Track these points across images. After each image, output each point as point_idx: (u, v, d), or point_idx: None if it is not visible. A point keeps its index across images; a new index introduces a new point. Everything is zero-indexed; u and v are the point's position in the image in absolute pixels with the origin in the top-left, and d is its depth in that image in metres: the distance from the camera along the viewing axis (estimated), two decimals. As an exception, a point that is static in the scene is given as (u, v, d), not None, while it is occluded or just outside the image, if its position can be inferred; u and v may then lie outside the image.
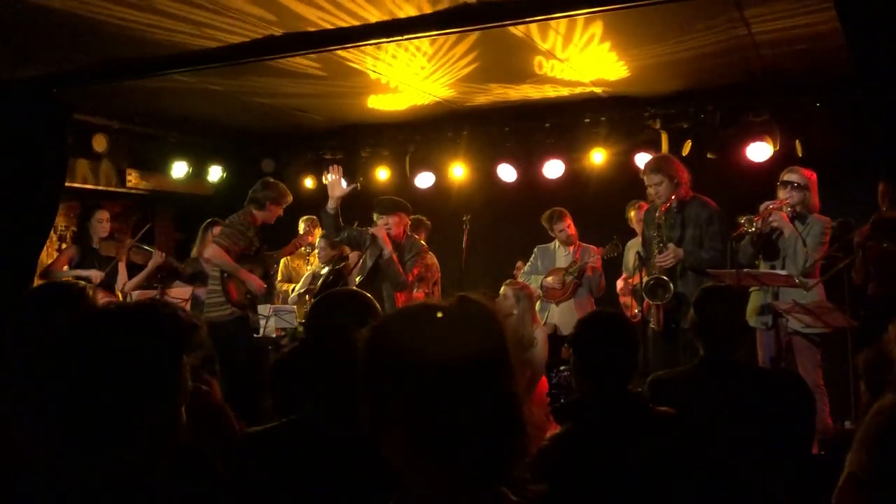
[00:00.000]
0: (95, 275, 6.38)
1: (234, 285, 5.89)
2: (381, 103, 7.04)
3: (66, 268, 6.55)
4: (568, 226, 6.78)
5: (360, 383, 1.28)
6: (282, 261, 7.61)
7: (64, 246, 7.86)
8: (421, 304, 1.42)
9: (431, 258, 7.08)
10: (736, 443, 2.94)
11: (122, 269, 6.68)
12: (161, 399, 1.55)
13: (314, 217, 7.66)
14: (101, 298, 5.74)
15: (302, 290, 7.12)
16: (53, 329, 1.67)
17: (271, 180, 6.24)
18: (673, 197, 5.36)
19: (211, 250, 5.87)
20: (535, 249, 7.02)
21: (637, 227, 6.42)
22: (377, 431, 1.27)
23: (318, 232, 7.44)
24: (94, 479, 1.45)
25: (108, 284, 6.50)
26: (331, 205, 5.88)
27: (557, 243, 6.90)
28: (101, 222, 6.60)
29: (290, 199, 6.22)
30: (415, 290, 6.81)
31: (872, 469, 1.14)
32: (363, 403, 1.28)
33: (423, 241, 7.02)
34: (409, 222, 6.25)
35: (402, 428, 1.24)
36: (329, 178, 6.09)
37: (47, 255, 7.37)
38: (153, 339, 1.54)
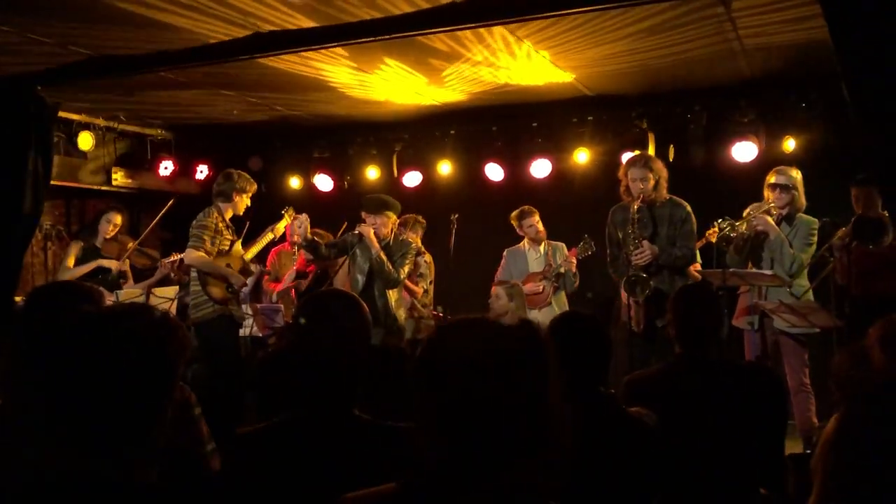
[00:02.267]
0: (116, 265, 6.55)
1: (213, 282, 5.87)
2: (370, 105, 7.03)
3: (71, 264, 6.60)
4: (537, 222, 6.76)
5: (415, 378, 1.41)
6: (269, 260, 7.58)
7: (49, 244, 7.83)
8: (481, 317, 1.51)
9: (428, 257, 7.09)
10: (712, 437, 2.95)
11: (128, 272, 6.74)
12: (156, 402, 1.55)
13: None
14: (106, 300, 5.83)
15: (285, 289, 7.08)
16: (53, 330, 1.66)
17: (232, 171, 6.15)
18: (642, 195, 5.39)
19: (189, 256, 5.79)
20: (505, 253, 6.94)
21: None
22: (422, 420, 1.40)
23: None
24: (90, 481, 1.44)
25: (115, 285, 6.56)
26: (301, 242, 6.00)
27: (527, 244, 6.87)
28: (109, 224, 6.68)
29: (254, 186, 6.15)
30: (418, 286, 6.85)
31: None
32: (415, 397, 1.41)
33: (418, 240, 7.03)
34: (397, 221, 6.24)
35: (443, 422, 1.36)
36: (294, 224, 6.17)
37: (31, 255, 7.33)
38: (152, 343, 1.55)
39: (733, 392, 3.09)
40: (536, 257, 6.79)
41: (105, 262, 6.55)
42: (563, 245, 6.75)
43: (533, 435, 1.34)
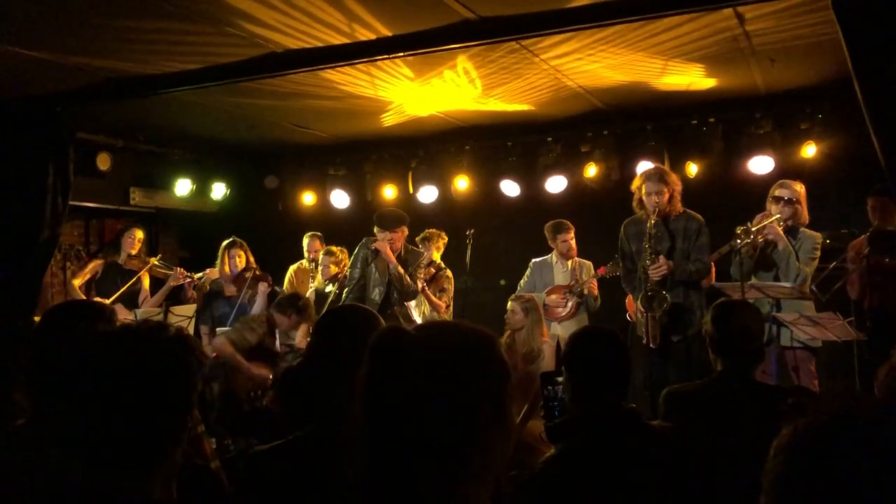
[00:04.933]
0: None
1: (240, 381, 5.67)
2: (389, 119, 7.06)
3: (83, 281, 6.70)
4: (570, 238, 6.76)
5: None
6: (287, 277, 7.64)
7: (68, 264, 7.91)
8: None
9: (449, 273, 7.13)
10: (752, 459, 2.91)
11: (144, 285, 6.80)
12: (175, 418, 1.56)
13: (318, 233, 7.69)
14: (121, 315, 5.86)
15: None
16: (72, 348, 1.68)
17: (301, 295, 6.17)
18: (658, 209, 5.38)
19: (215, 342, 5.74)
20: (531, 264, 6.95)
21: None
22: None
23: (319, 246, 7.46)
24: (110, 498, 1.45)
25: (131, 300, 6.65)
26: None
27: (555, 257, 6.86)
28: (132, 238, 6.80)
29: (313, 314, 6.02)
30: (441, 300, 6.89)
31: None
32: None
33: (438, 256, 7.08)
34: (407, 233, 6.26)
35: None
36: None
37: (51, 274, 7.40)
38: (169, 359, 1.56)
39: (772, 412, 3.05)
40: (563, 271, 6.79)
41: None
42: (591, 264, 6.72)
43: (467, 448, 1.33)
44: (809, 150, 6.53)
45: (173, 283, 6.81)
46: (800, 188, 5.40)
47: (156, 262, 6.84)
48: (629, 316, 6.70)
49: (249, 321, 5.91)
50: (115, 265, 6.75)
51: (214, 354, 5.73)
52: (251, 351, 5.70)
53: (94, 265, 6.81)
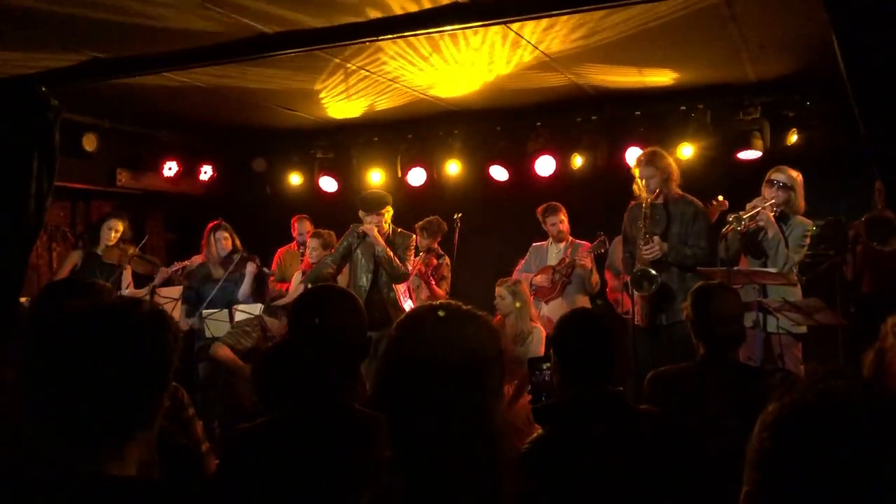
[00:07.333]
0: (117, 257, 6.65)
1: (242, 389, 5.62)
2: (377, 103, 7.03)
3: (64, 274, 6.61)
4: (560, 221, 6.77)
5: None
6: (275, 260, 7.62)
7: (54, 245, 7.86)
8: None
9: (447, 260, 7.13)
10: (735, 441, 2.93)
11: (126, 276, 6.76)
12: (151, 395, 1.55)
13: (305, 215, 7.67)
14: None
15: (293, 292, 7.10)
16: (48, 325, 1.66)
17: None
18: (659, 191, 5.41)
19: (215, 349, 5.75)
20: (531, 247, 7.03)
21: None
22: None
23: (309, 228, 7.44)
24: (87, 476, 1.45)
25: (117, 288, 6.58)
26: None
27: (551, 240, 6.90)
28: (111, 230, 6.73)
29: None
30: (441, 288, 6.90)
31: (761, 486, 1.14)
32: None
33: (435, 243, 7.09)
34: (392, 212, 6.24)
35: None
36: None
37: (36, 256, 7.35)
38: (144, 335, 1.55)
39: (755, 394, 3.07)
40: (556, 252, 6.83)
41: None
42: (585, 243, 6.74)
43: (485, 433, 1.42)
44: (797, 138, 6.56)
45: (161, 280, 6.77)
46: (797, 175, 5.41)
47: (136, 254, 6.77)
48: (612, 299, 6.72)
49: (244, 325, 5.93)
50: (94, 256, 6.68)
51: (216, 358, 5.75)
52: (246, 355, 5.74)
53: (73, 258, 6.74)
